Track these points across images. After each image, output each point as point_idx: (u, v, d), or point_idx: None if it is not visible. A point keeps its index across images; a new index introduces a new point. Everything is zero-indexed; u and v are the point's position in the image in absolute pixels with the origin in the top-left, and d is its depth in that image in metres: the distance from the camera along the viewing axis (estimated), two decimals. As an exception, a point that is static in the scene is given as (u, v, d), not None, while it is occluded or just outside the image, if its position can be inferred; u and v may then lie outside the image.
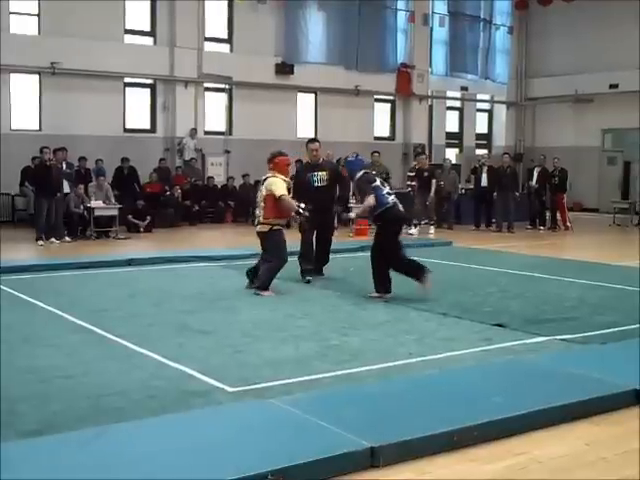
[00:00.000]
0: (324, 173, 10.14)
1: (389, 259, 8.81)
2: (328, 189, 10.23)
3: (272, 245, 9.07)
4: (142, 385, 5.42)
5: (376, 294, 8.90)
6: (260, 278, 9.07)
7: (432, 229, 17.59)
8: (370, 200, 8.68)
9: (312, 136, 22.05)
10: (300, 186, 10.14)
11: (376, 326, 7.44)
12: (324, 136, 21.82)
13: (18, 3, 18.24)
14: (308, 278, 9.98)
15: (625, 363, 5.73)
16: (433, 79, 24.76)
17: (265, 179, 9.20)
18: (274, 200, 8.93)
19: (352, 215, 9.26)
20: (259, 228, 9.16)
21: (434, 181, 17.73)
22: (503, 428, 4.53)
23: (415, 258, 9.10)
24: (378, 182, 9.01)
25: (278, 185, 8.97)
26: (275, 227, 9.04)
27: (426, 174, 17.76)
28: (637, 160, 23.72)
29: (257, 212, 9.27)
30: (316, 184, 10.07)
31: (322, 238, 10.32)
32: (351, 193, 11.22)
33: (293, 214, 9.21)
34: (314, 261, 10.25)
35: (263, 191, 9.11)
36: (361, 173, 9.08)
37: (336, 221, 18.38)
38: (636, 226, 19.38)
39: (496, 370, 5.76)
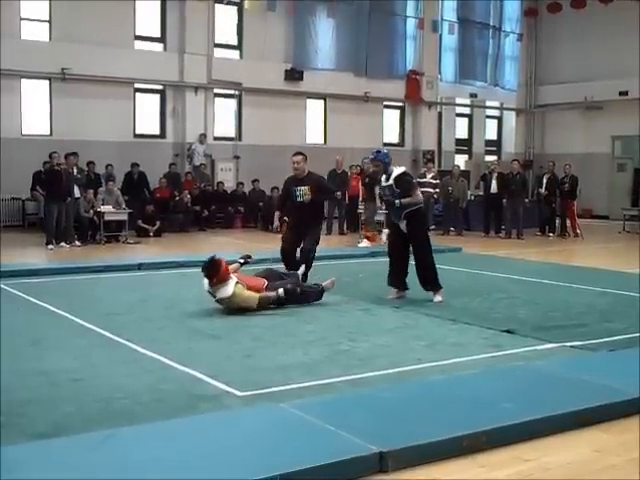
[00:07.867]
0: (306, 188, 9.84)
1: (420, 253, 9.00)
2: (310, 205, 9.91)
3: None
4: (151, 388, 5.44)
5: (395, 294, 9.09)
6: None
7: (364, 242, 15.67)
8: (420, 196, 9.17)
9: (321, 142, 22.25)
10: (284, 199, 10.25)
11: (386, 332, 7.44)
12: (333, 142, 21.98)
13: (29, 9, 18.35)
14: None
15: (634, 370, 5.69)
16: (442, 86, 24.79)
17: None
18: None
19: (397, 203, 9.12)
20: None
21: (376, 189, 15.70)
22: (512, 434, 4.53)
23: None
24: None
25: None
26: None
27: (367, 180, 15.63)
28: (647, 167, 23.73)
29: None
30: (298, 199, 9.87)
31: (302, 248, 10.00)
32: (377, 194, 11.13)
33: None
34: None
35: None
36: (403, 170, 9.23)
37: (345, 227, 18.56)
38: (646, 233, 19.29)
39: (505, 376, 5.75)
